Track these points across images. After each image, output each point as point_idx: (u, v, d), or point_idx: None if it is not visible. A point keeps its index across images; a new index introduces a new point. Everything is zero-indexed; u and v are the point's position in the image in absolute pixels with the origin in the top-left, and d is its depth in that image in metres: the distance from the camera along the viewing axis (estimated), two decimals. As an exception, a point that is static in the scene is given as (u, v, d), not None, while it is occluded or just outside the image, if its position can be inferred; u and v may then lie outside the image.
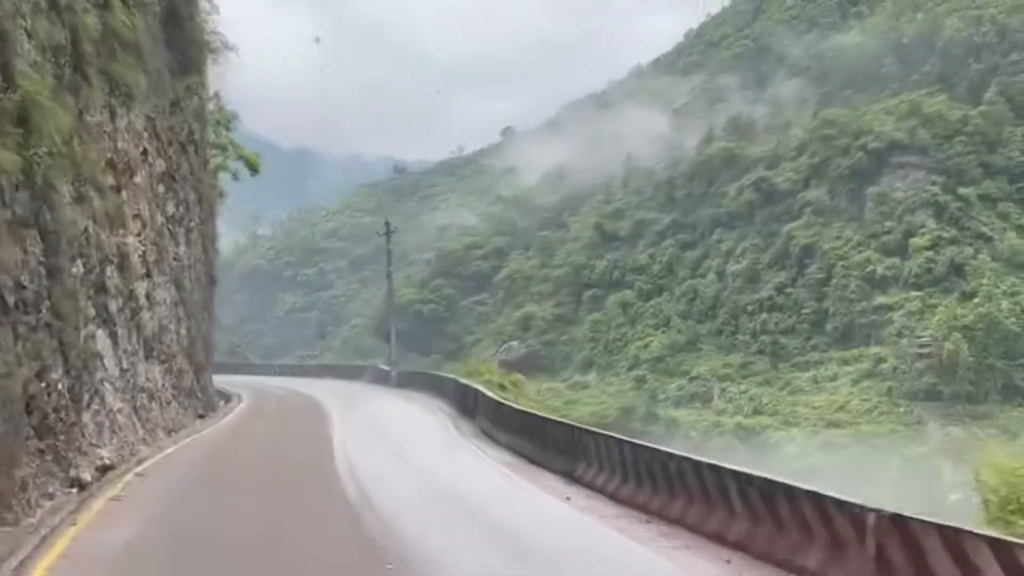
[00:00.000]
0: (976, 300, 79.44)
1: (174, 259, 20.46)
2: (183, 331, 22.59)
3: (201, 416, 27.02)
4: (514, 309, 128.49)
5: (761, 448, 75.92)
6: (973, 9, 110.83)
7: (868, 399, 79.68)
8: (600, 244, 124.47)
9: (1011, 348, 77.26)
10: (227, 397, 38.09)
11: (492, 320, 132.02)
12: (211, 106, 32.17)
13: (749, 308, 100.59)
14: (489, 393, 31.37)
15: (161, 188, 18.89)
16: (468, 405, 32.43)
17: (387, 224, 55.33)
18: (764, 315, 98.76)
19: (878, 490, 44.05)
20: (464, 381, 36.42)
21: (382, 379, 53.11)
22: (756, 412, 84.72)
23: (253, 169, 38.48)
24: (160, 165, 18.71)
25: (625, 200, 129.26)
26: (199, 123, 24.67)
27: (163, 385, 20.17)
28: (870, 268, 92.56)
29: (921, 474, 67.84)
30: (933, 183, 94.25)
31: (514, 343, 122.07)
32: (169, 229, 20.54)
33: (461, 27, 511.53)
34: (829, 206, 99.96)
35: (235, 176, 39.44)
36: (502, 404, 28.17)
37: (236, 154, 37.51)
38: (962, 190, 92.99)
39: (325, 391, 42.66)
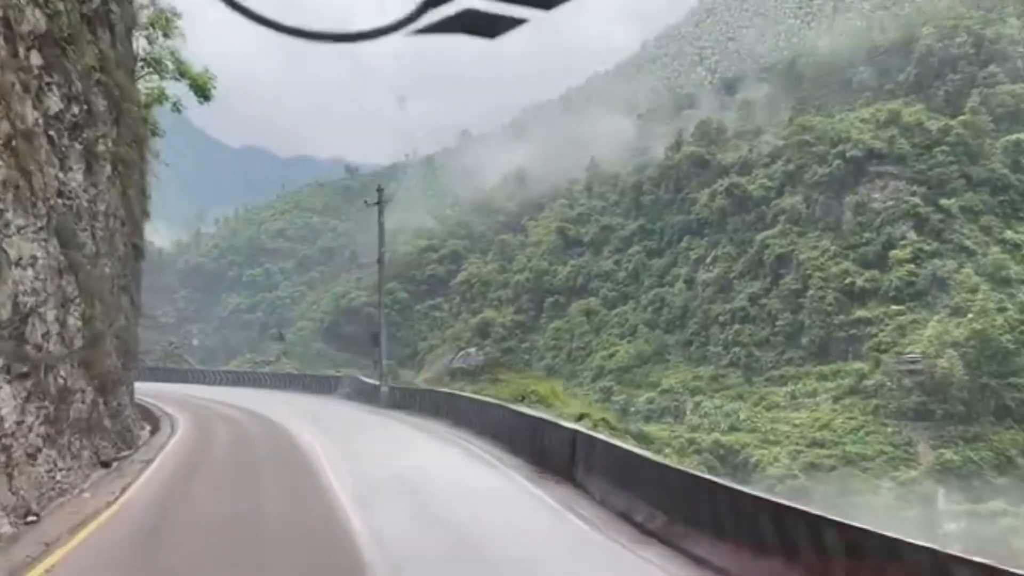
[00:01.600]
0: (970, 316, 74.91)
1: (58, 195, 12.24)
2: (73, 320, 13.41)
3: (105, 464, 16.31)
4: (472, 315, 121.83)
5: (742, 468, 70.32)
6: (950, 20, 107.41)
7: (853, 417, 74.64)
8: (563, 249, 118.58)
9: (1003, 366, 72.88)
10: (155, 422, 27.11)
11: (448, 326, 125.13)
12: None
13: (720, 318, 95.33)
14: (618, 442, 17.31)
15: (36, 59, 11.18)
16: (549, 451, 18.47)
17: (379, 190, 46.03)
18: (736, 326, 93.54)
19: (874, 517, 38.48)
20: (526, 411, 23.38)
21: (366, 395, 41.12)
22: (733, 428, 79.18)
23: (203, 95, 26.15)
24: (34, 19, 11.10)
25: (589, 205, 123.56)
26: (119, 4, 16.52)
27: (22, 421, 10.83)
28: (848, 280, 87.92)
29: (915, 499, 62.80)
30: (913, 193, 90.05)
31: (472, 350, 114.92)
32: (50, 138, 11.91)
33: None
34: (805, 215, 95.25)
35: (177, 107, 27.68)
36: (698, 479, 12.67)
37: (177, 71, 25.11)
38: (943, 201, 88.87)
39: (294, 412, 31.96)
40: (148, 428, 25.40)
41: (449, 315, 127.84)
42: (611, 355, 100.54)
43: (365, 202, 51.08)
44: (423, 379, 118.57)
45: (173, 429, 26.38)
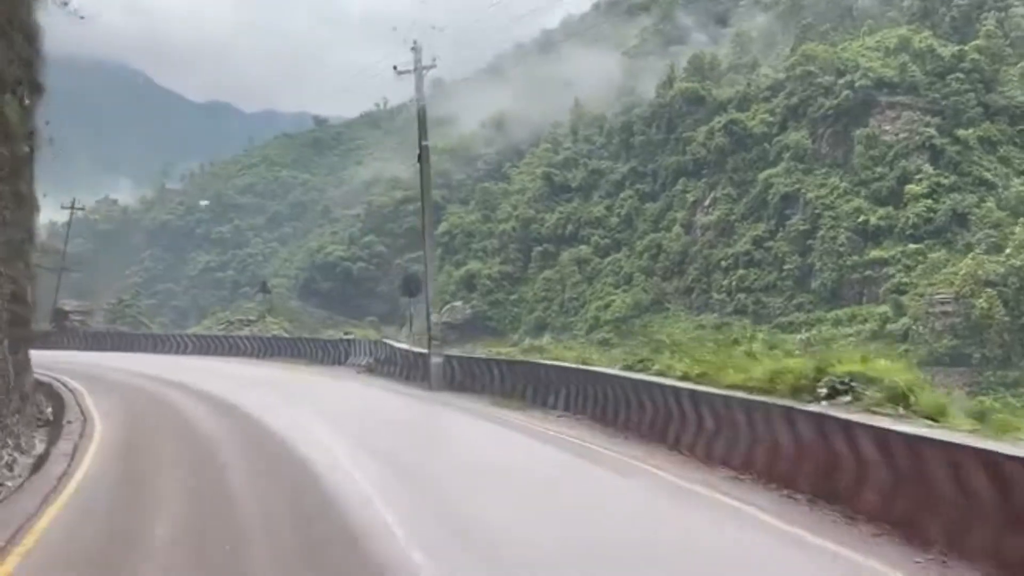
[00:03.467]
0: (1008, 251, 68.36)
1: None
2: None
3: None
4: (455, 267, 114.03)
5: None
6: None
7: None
8: (549, 196, 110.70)
9: (1041, 306, 66.55)
10: (59, 426, 16.61)
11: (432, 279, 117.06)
12: None
13: (723, 264, 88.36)
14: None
15: None
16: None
17: (421, 113, 30.39)
18: (741, 271, 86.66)
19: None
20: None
21: (401, 369, 29.64)
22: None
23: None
24: None
25: (575, 149, 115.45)
26: None
27: None
28: (861, 218, 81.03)
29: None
30: (928, 124, 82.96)
31: (457, 303, 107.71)
32: None
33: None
34: (811, 151, 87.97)
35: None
36: None
37: None
38: (960, 132, 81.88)
39: (310, 410, 19.78)
40: (43, 442, 14.63)
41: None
42: (606, 305, 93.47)
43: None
44: (406, 336, 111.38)
45: (78, 449, 14.24)
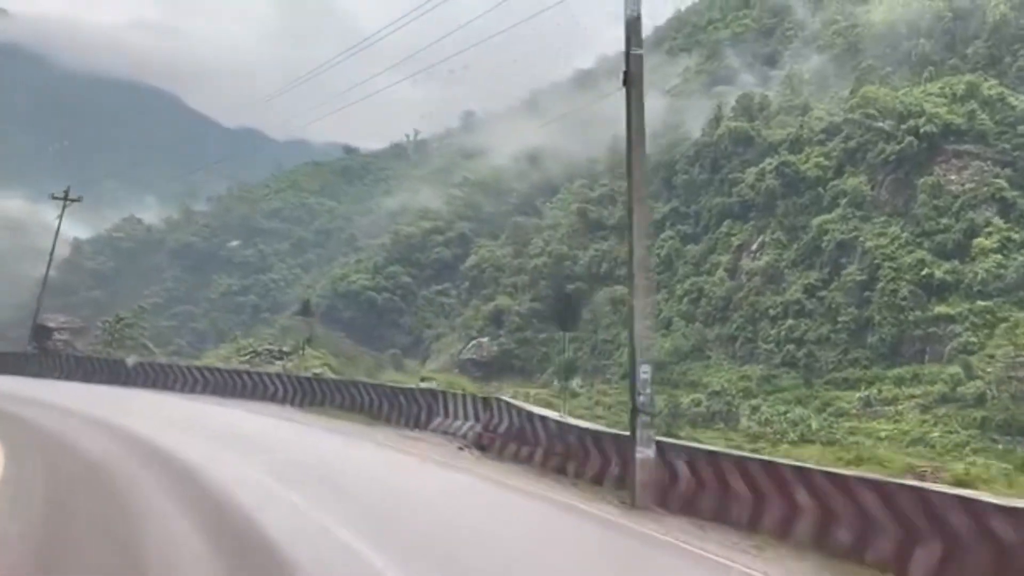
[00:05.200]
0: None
1: None
2: None
3: None
4: (483, 302, 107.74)
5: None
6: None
7: (952, 431, 60.80)
8: (584, 233, 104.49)
9: None
10: None
11: (457, 313, 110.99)
12: None
13: (771, 312, 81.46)
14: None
15: None
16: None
17: (631, 20, 20.54)
18: (790, 321, 79.69)
19: None
20: None
21: (533, 455, 19.39)
22: (804, 439, 65.19)
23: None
24: None
25: (612, 186, 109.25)
26: None
27: None
28: (925, 271, 74.11)
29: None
30: (997, 176, 76.32)
31: (484, 340, 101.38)
32: None
33: (410, 17, 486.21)
34: (869, 197, 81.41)
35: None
36: None
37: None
38: (1033, 185, 75.20)
39: None
40: None
41: (458, 302, 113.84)
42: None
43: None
44: (429, 370, 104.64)
45: None
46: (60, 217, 45.30)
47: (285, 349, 38.80)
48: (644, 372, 15.79)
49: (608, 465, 16.80)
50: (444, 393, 26.64)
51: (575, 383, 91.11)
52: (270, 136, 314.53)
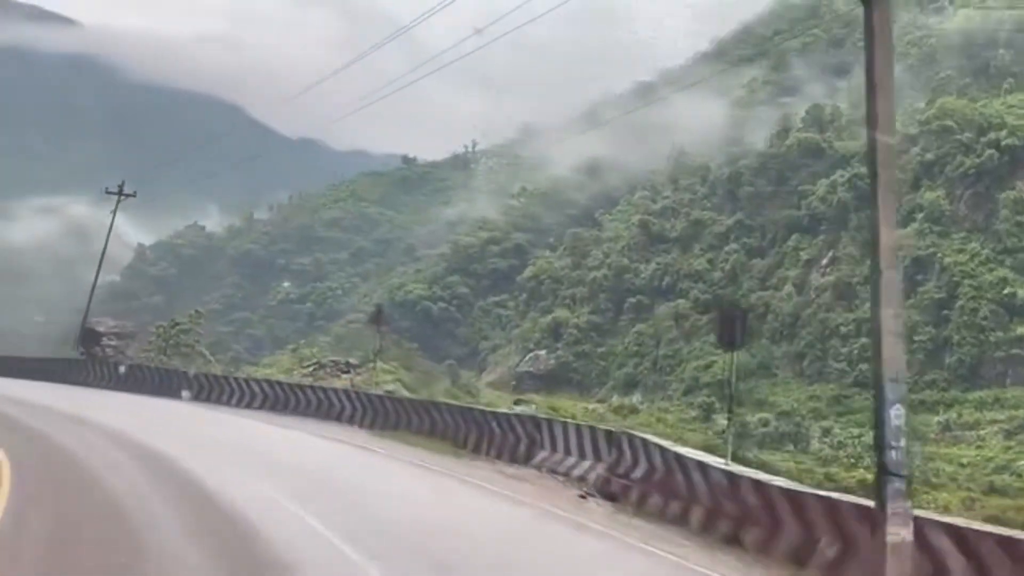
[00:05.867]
0: None
1: None
2: None
3: None
4: (541, 314, 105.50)
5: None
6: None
7: (1041, 459, 56.97)
8: (646, 245, 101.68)
9: None
10: None
11: (515, 325, 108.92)
12: None
13: (842, 329, 77.89)
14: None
15: None
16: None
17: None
18: (862, 339, 75.86)
19: None
20: None
21: (678, 513, 15.07)
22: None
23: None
24: None
25: (675, 198, 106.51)
26: None
27: None
28: (1007, 291, 70.10)
29: None
30: (1086, 191, 72.06)
31: (541, 352, 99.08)
32: None
33: (471, 29, 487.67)
34: (948, 212, 77.50)
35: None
36: None
37: None
38: (1125, 201, 70.73)
39: None
40: None
41: (515, 313, 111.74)
42: (707, 366, 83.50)
43: None
44: (486, 383, 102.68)
45: None
46: (114, 212, 43.62)
47: (352, 361, 33.46)
48: (896, 415, 10.08)
49: (813, 540, 12.07)
50: (550, 421, 21.83)
51: (635, 398, 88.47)
52: (330, 147, 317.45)
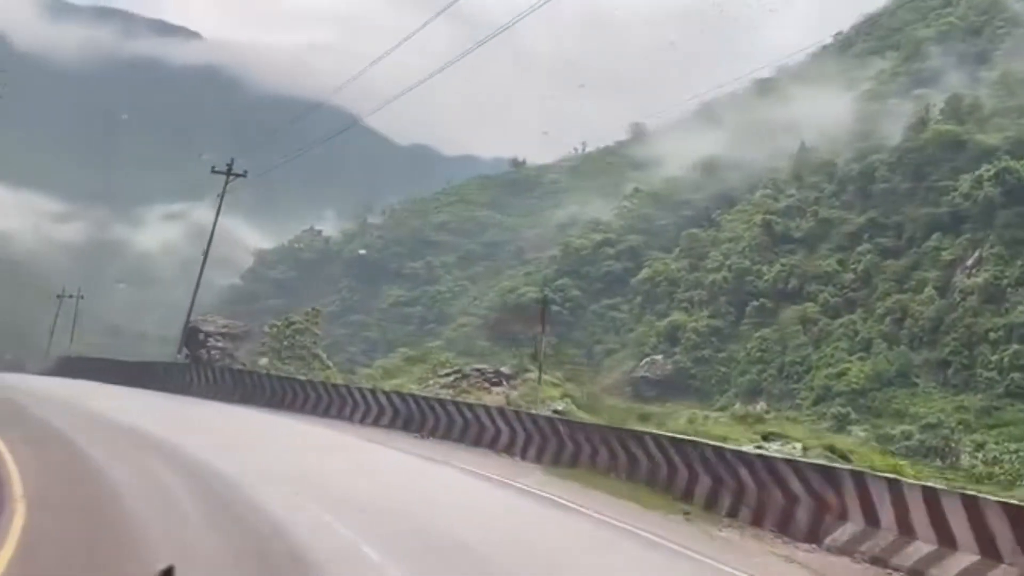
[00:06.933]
0: None
1: None
2: None
3: None
4: (657, 317, 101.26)
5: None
6: None
7: None
8: (769, 246, 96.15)
9: None
10: None
11: (629, 329, 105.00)
12: None
13: (991, 336, 71.08)
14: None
15: None
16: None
17: None
18: (1014, 346, 69.14)
19: None
20: None
21: None
22: (1045, 484, 55.40)
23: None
24: None
25: (799, 196, 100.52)
26: None
27: None
28: None
29: None
30: None
31: (658, 357, 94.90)
32: None
33: (576, 33, 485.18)
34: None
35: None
36: None
37: None
38: None
39: None
40: None
41: (630, 317, 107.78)
42: (839, 374, 77.79)
43: None
44: (600, 387, 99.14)
45: None
46: (221, 196, 41.25)
47: (505, 370, 26.14)
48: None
49: None
50: (862, 475, 13.56)
51: (759, 407, 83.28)
52: (440, 152, 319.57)
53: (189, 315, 35.76)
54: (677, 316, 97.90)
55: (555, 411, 21.44)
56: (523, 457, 20.18)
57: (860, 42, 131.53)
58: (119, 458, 15.69)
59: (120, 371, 36.52)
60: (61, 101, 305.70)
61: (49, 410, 20.21)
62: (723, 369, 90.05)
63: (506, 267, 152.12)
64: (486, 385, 24.81)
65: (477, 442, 21.64)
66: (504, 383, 24.67)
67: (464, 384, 25.31)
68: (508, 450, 20.58)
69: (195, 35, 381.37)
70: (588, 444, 19.18)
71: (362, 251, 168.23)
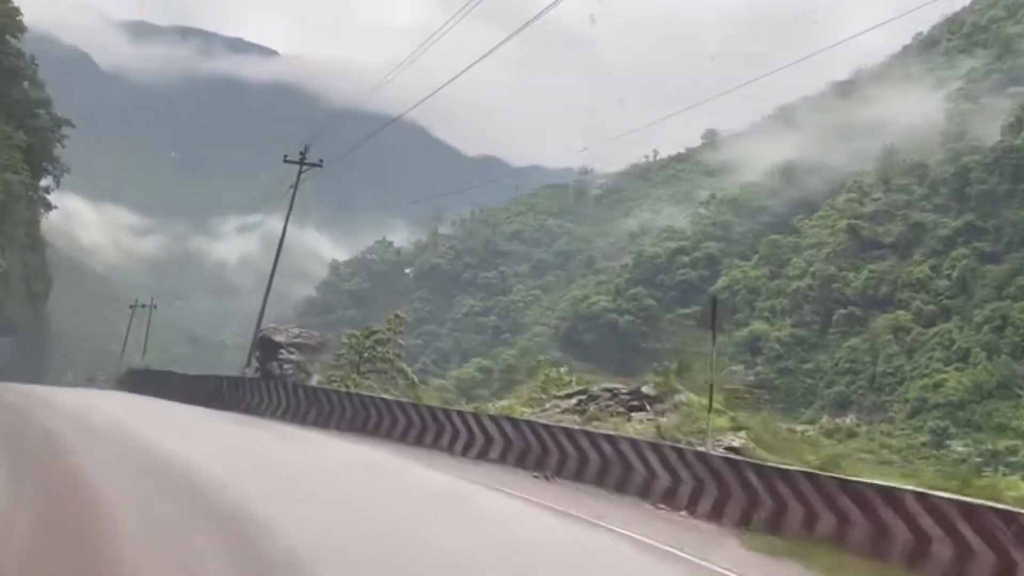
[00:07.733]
0: None
1: None
2: None
3: None
4: (736, 327, 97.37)
5: None
6: None
7: None
8: (856, 252, 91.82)
9: None
10: None
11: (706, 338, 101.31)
12: None
13: (1105, 345, 66.04)
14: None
15: None
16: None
17: None
18: None
19: None
20: None
21: None
22: None
23: None
24: None
25: (887, 200, 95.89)
26: None
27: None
28: None
29: None
30: None
31: (738, 368, 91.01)
32: None
33: (643, 41, 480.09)
34: None
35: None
36: None
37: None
38: None
39: None
40: None
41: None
42: (936, 385, 73.32)
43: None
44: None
45: None
46: (295, 186, 39.26)
47: (647, 391, 19.02)
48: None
49: None
50: None
51: (848, 420, 79.15)
52: (508, 163, 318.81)
53: (259, 324, 33.56)
54: (758, 325, 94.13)
55: (729, 448, 15.80)
56: (692, 514, 14.66)
57: (945, 40, 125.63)
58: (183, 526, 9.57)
59: (185, 386, 33.59)
60: (141, 118, 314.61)
61: (92, 457, 11.58)
62: (808, 380, 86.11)
63: (578, 276, 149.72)
64: (622, 409, 19.37)
65: (621, 488, 16.28)
66: (648, 407, 19.40)
67: (592, 407, 19.90)
68: (667, 501, 15.27)
69: (272, 52, 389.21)
70: (799, 503, 13.13)
71: (437, 259, 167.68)
